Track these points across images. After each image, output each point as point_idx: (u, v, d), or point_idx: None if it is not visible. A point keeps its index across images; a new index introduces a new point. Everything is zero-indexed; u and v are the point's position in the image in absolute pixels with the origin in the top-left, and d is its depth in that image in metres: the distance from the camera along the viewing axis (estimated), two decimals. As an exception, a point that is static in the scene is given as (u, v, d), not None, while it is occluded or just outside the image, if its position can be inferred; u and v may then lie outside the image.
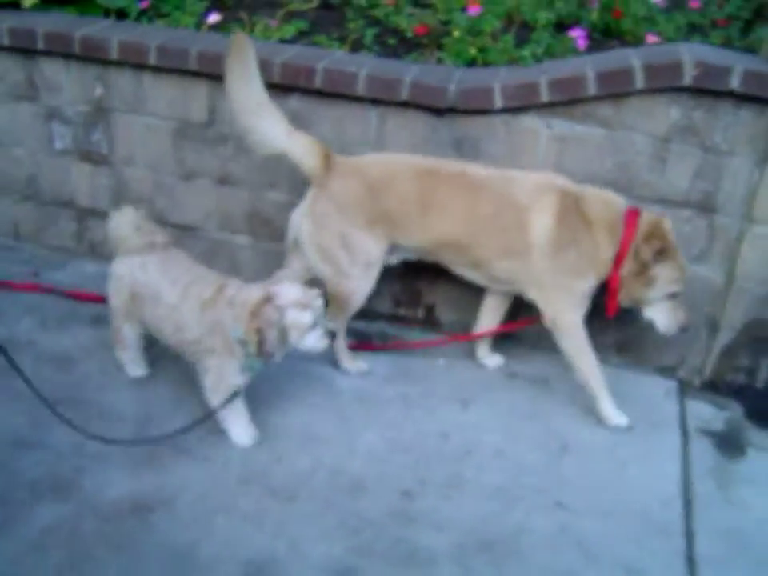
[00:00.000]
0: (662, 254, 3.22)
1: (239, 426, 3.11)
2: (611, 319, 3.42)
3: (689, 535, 2.94)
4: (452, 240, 3.32)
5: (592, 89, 3.31)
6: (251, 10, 4.13)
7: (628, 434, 3.38)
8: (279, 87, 3.51)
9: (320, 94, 3.53)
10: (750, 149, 3.33)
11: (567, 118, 3.40)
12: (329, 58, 3.56)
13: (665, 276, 3.26)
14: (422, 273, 3.72)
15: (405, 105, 3.44)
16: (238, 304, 2.89)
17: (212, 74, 3.58)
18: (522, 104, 3.38)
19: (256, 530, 2.78)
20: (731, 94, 3.24)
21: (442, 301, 3.83)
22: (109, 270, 3.27)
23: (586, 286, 3.32)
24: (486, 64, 3.72)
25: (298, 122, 3.47)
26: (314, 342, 2.94)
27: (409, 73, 3.47)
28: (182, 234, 3.86)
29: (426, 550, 2.77)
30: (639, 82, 3.27)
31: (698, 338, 3.64)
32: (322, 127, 3.60)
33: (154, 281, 3.10)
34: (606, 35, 3.99)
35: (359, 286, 3.41)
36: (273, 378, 3.38)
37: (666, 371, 3.75)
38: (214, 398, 3.03)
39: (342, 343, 3.56)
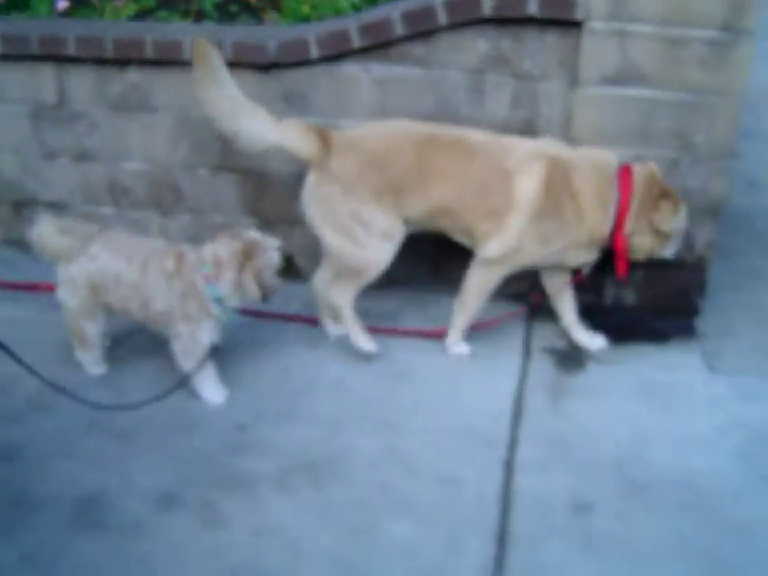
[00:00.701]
0: (673, 209, 3.30)
1: (211, 386, 3.25)
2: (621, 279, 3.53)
3: (512, 445, 3.07)
4: (445, 206, 3.33)
5: (400, 29, 3.44)
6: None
7: (471, 359, 3.52)
8: (114, 62, 3.70)
9: (155, 64, 3.71)
10: (561, 72, 3.45)
11: (383, 61, 3.54)
12: (160, 30, 3.74)
13: (677, 228, 3.36)
14: (276, 225, 3.88)
15: (232, 65, 3.60)
16: (211, 264, 3.05)
17: (56, 57, 3.77)
18: (337, 52, 3.52)
19: (94, 470, 2.92)
20: (533, 20, 3.37)
21: (298, 251, 3.99)
22: (57, 277, 3.27)
23: (547, 251, 3.36)
24: (321, 20, 3.88)
25: (139, 93, 3.67)
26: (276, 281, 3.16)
27: (232, 35, 3.64)
28: (54, 211, 4.05)
29: (250, 474, 2.91)
30: (442, 17, 3.40)
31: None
32: (162, 96, 3.77)
33: (108, 266, 3.16)
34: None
35: (378, 256, 3.38)
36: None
37: (519, 297, 3.86)
38: (187, 362, 3.17)
39: (353, 321, 3.51)
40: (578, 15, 3.31)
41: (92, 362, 3.39)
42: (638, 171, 3.31)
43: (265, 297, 3.11)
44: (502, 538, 2.68)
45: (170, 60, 3.66)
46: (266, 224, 3.89)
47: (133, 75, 3.77)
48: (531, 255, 3.37)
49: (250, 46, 3.55)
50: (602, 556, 2.63)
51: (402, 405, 3.27)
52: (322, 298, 3.60)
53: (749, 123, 5.37)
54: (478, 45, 3.45)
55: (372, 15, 3.52)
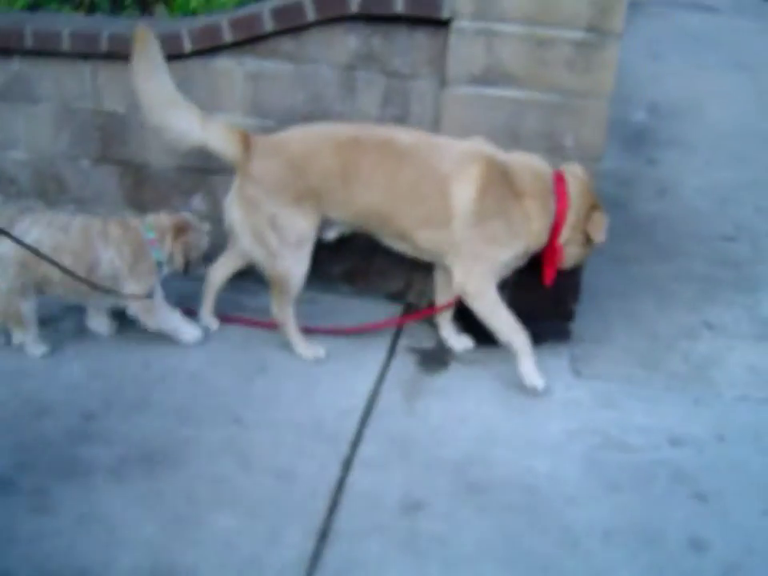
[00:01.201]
0: (604, 220, 3.32)
1: (184, 326, 3.51)
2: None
3: (356, 442, 3.06)
4: (374, 210, 3.30)
5: (269, 25, 3.46)
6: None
7: (334, 356, 3.51)
8: (-4, 52, 3.73)
9: (37, 54, 3.73)
10: (431, 71, 3.46)
11: (255, 55, 3.56)
12: (40, 21, 3.76)
13: (600, 236, 3.35)
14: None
15: (110, 57, 3.62)
16: (155, 231, 3.35)
17: None
18: (209, 46, 3.54)
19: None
20: (402, 18, 3.37)
21: (181, 245, 3.98)
22: None
23: (509, 255, 3.31)
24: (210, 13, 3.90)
25: (21, 83, 3.69)
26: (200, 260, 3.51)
27: (112, 27, 3.66)
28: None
29: (87, 462, 2.90)
30: (311, 13, 3.41)
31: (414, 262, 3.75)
32: (42, 85, 3.79)
33: (44, 239, 3.20)
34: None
35: (292, 265, 3.37)
36: None
37: (396, 297, 3.86)
38: (151, 317, 3.43)
39: (293, 328, 3.51)
40: (445, 14, 3.31)
41: (33, 342, 3.41)
42: (571, 181, 3.30)
43: (186, 271, 3.45)
44: (324, 533, 2.66)
45: (50, 51, 3.68)
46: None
47: (17, 65, 3.79)
48: (499, 257, 3.30)
49: (127, 38, 3.56)
50: (422, 555, 2.61)
51: (254, 398, 3.26)
52: (212, 287, 3.65)
53: (672, 133, 5.38)
54: (348, 41, 3.46)
55: (244, 11, 3.54)
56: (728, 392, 3.44)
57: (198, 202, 3.87)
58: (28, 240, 3.06)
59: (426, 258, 3.46)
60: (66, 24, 3.67)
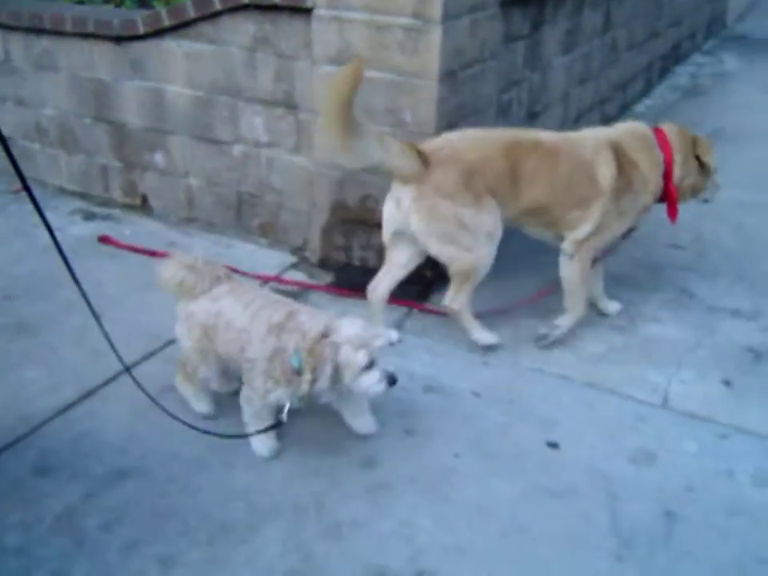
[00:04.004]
0: (709, 144, 3.90)
1: (263, 439, 3.05)
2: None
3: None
4: (539, 203, 3.63)
5: (191, 12, 4.21)
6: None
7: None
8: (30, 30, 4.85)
9: (53, 33, 4.75)
10: (307, 53, 4.00)
11: (188, 38, 4.32)
12: (53, 7, 4.86)
13: (710, 158, 3.89)
14: (134, 168, 4.83)
15: (97, 37, 4.57)
16: (299, 334, 2.79)
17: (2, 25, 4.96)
18: (155, 29, 4.36)
19: None
20: (280, 7, 3.96)
21: (151, 192, 4.87)
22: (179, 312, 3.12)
23: (628, 225, 3.79)
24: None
25: (48, 56, 4.80)
26: (370, 383, 2.77)
27: (93, 13, 4.68)
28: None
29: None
30: (217, 2, 4.11)
31: (310, 221, 4.30)
32: (59, 58, 4.82)
33: (226, 310, 2.97)
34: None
35: (485, 256, 3.60)
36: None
37: (297, 250, 4.44)
38: (244, 407, 3.01)
39: (469, 315, 3.74)
40: (308, 3, 3.87)
41: (197, 400, 3.24)
42: (668, 127, 3.83)
43: (310, 391, 2.78)
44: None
45: (60, 31, 4.70)
46: (128, 166, 4.85)
47: (44, 42, 4.86)
48: (613, 230, 3.74)
49: (104, 21, 4.51)
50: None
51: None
52: (377, 307, 3.78)
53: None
54: (248, 27, 4.11)
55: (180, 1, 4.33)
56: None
57: (159, 157, 4.72)
58: (214, 308, 2.97)
59: (556, 242, 3.80)
60: (69, 11, 4.70)
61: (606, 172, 3.61)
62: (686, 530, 2.82)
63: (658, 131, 3.79)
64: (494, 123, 4.29)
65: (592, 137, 3.74)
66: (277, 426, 2.95)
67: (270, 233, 4.54)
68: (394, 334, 2.83)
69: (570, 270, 3.74)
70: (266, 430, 2.98)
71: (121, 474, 2.94)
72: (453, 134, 3.65)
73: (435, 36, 3.65)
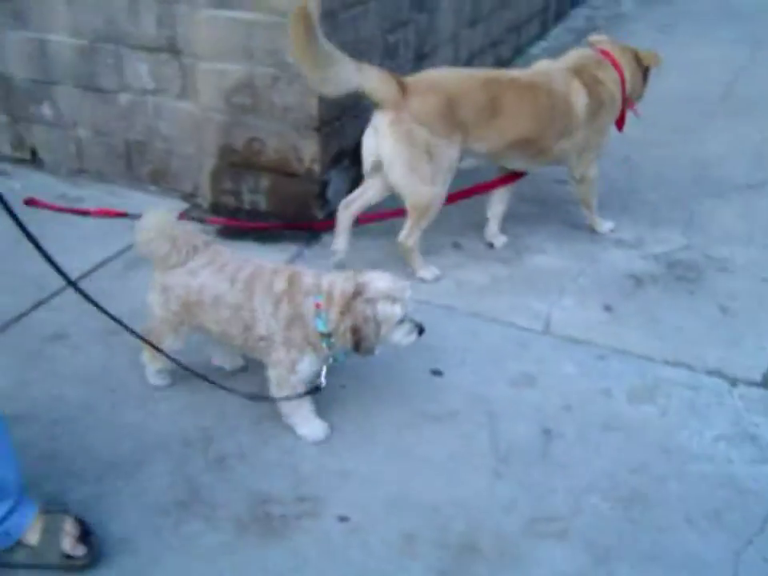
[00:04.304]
0: (647, 55, 4.14)
1: (308, 422, 2.94)
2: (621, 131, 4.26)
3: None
4: (524, 137, 3.79)
5: (70, -44, 4.14)
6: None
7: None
8: None
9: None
10: (183, -5, 3.98)
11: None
12: None
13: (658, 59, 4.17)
14: (21, 122, 4.74)
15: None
16: (324, 296, 2.72)
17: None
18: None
19: None
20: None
21: (40, 145, 4.80)
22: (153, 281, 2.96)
23: (609, 135, 4.12)
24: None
25: None
26: (402, 335, 2.80)
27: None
28: None
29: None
30: (95, -53, 4.05)
31: (200, 166, 4.31)
32: None
33: (207, 287, 2.82)
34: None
35: (441, 191, 3.72)
36: None
37: (189, 197, 4.44)
38: (281, 392, 2.87)
39: (417, 253, 3.85)
40: (185, -55, 3.84)
41: (153, 374, 3.14)
42: (610, 47, 4.05)
43: (361, 352, 2.75)
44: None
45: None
46: (15, 119, 4.76)
47: None
48: (600, 144, 4.08)
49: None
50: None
51: None
52: (343, 225, 3.88)
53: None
54: (127, -29, 4.07)
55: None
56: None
57: (46, 109, 4.64)
58: (194, 283, 2.83)
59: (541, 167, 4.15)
60: None
61: (580, 100, 3.85)
62: (563, 446, 2.96)
63: (604, 53, 4.00)
64: (380, 65, 4.30)
65: (558, 69, 3.93)
66: (316, 390, 2.88)
67: (160, 180, 4.52)
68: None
69: (582, 189, 4.18)
70: (306, 394, 2.88)
71: (10, 420, 2.94)
72: (431, 70, 3.83)
73: (310, -24, 3.66)
